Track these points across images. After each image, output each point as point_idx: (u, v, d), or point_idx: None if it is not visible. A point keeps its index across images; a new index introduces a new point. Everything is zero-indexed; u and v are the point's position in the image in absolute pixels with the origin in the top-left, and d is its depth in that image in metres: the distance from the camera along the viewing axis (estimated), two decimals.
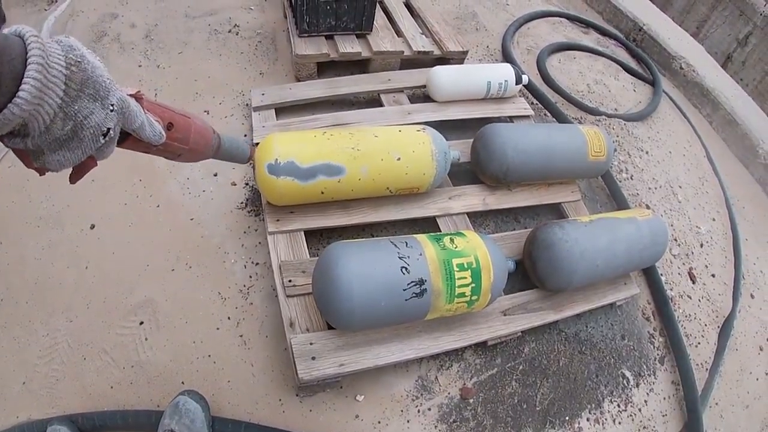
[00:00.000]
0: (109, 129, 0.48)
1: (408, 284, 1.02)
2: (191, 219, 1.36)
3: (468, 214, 1.39)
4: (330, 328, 1.12)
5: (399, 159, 1.25)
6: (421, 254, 1.06)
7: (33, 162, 0.47)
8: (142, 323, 1.21)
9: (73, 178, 0.56)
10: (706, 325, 1.58)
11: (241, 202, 1.40)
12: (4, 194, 1.39)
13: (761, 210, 2.00)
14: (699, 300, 1.61)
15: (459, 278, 1.06)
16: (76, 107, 0.43)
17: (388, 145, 1.26)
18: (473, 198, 1.42)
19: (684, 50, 2.27)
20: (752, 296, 1.73)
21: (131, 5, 1.86)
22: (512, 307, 1.26)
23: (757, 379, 1.61)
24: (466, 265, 1.07)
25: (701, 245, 1.72)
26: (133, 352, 1.18)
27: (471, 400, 1.22)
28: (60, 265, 1.28)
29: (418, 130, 1.31)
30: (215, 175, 1.43)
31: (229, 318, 1.23)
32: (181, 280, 1.27)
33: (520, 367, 1.28)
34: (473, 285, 1.08)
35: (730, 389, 1.55)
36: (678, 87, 2.31)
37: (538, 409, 1.25)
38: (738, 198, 1.96)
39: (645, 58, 2.30)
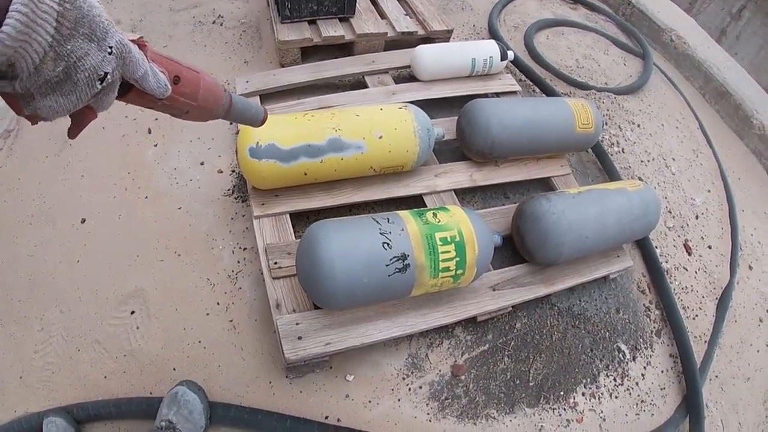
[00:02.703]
0: (106, 74, 0.43)
1: (390, 260, 0.99)
2: (179, 208, 1.35)
3: (455, 191, 1.36)
4: (316, 308, 1.10)
5: (381, 137, 1.22)
6: (403, 229, 1.03)
7: (23, 108, 0.43)
8: (133, 313, 1.20)
9: (72, 131, 0.51)
10: (703, 297, 1.54)
11: (228, 189, 1.38)
12: None
13: (757, 180, 1.94)
14: (696, 272, 1.56)
15: (443, 252, 1.03)
16: (69, 47, 0.39)
17: (370, 123, 1.22)
18: (460, 175, 1.39)
19: (674, 23, 2.20)
20: (750, 267, 1.67)
21: (116, 2, 1.84)
22: (501, 282, 1.22)
23: (758, 351, 1.56)
24: (449, 239, 1.04)
25: (696, 217, 1.67)
26: (125, 342, 1.17)
27: (462, 377, 1.19)
28: (53, 261, 1.27)
29: (400, 108, 1.28)
30: (202, 163, 1.41)
31: (218, 303, 1.21)
32: (171, 269, 1.26)
33: (512, 343, 1.25)
34: (458, 259, 1.05)
35: (730, 362, 1.50)
36: (669, 60, 2.24)
37: (531, 384, 1.22)
38: (733, 169, 1.90)
39: (635, 32, 2.23)
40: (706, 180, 1.78)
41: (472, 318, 1.22)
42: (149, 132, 1.48)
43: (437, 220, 1.06)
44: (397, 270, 1.00)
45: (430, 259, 1.02)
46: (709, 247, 1.63)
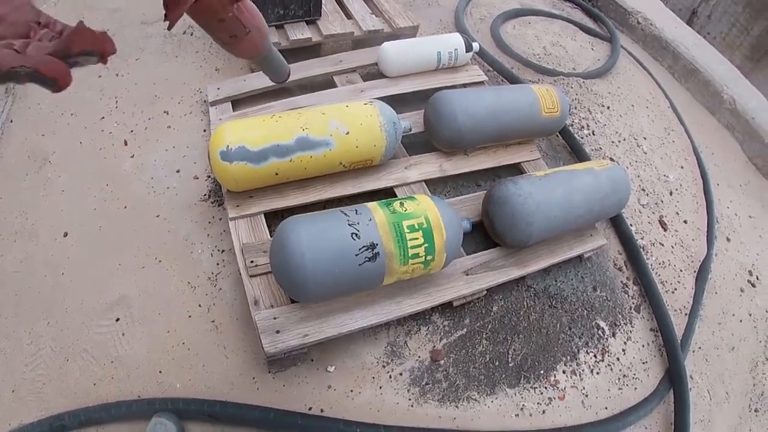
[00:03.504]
0: None
1: (360, 249, 1.04)
2: (158, 216, 1.39)
3: (426, 181, 1.41)
4: (294, 302, 1.15)
5: (348, 133, 1.27)
6: (370, 219, 1.08)
7: None
8: (118, 320, 1.24)
9: (170, 15, 0.53)
10: (681, 270, 1.59)
11: (204, 194, 1.43)
12: None
13: (731, 154, 2.00)
14: (672, 247, 1.62)
15: (411, 239, 1.08)
16: None
17: (336, 120, 1.28)
18: (430, 166, 1.44)
19: (640, 5, 2.26)
20: (728, 239, 1.73)
21: (88, 20, 1.90)
22: (475, 267, 1.27)
23: (741, 321, 1.61)
24: (416, 226, 1.09)
25: (670, 193, 1.72)
26: (112, 348, 1.21)
27: (442, 362, 1.23)
28: (38, 275, 1.31)
29: (365, 104, 1.33)
30: (178, 171, 1.46)
31: (199, 305, 1.26)
32: (152, 275, 1.31)
33: (490, 326, 1.30)
34: (426, 245, 1.10)
35: (713, 333, 1.55)
36: (637, 42, 2.30)
37: (510, 365, 1.27)
38: (706, 145, 1.96)
39: (601, 17, 2.30)
40: (679, 157, 1.83)
41: (448, 303, 1.27)
42: (125, 144, 1.53)
43: (404, 209, 1.11)
44: (367, 259, 1.05)
45: (399, 247, 1.07)
46: (685, 222, 1.68)
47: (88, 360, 1.19)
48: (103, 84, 1.69)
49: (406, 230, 1.08)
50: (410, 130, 1.42)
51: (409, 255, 1.08)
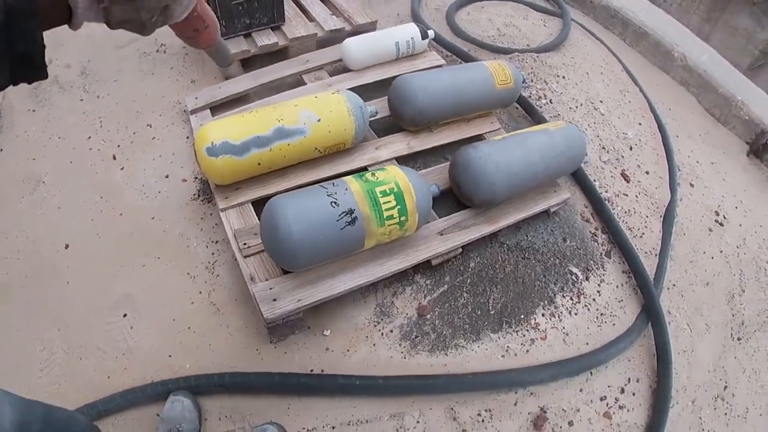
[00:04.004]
0: None
1: (339, 215, 1.23)
2: (152, 218, 1.57)
3: (396, 158, 1.60)
4: (286, 273, 1.33)
5: (319, 120, 1.47)
6: (347, 189, 1.27)
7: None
8: (125, 315, 1.41)
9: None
10: (647, 216, 1.79)
11: (194, 194, 1.61)
12: None
13: (687, 108, 2.23)
14: (636, 196, 1.82)
15: (384, 203, 1.27)
16: None
17: (308, 110, 1.49)
18: (398, 144, 1.64)
19: None
20: (692, 185, 1.94)
21: (64, 49, 2.09)
22: (448, 227, 1.46)
23: (712, 258, 1.80)
24: (388, 191, 1.28)
25: (630, 148, 1.93)
26: (122, 342, 1.37)
27: (428, 316, 1.42)
28: (44, 287, 1.47)
29: (333, 93, 1.53)
30: (167, 176, 1.65)
31: (200, 292, 1.43)
32: (153, 271, 1.48)
33: (469, 281, 1.48)
34: (399, 207, 1.28)
35: (686, 271, 1.75)
36: (588, 14, 2.55)
37: (492, 313, 1.45)
38: (663, 102, 2.19)
39: None
40: (636, 115, 2.05)
41: (428, 263, 1.46)
42: (114, 158, 1.72)
43: (375, 178, 1.31)
44: (347, 223, 1.23)
45: (374, 210, 1.26)
46: (647, 173, 1.89)
47: (100, 356, 1.36)
48: (85, 107, 1.88)
49: (379, 195, 1.27)
50: (376, 113, 1.62)
51: (385, 217, 1.27)
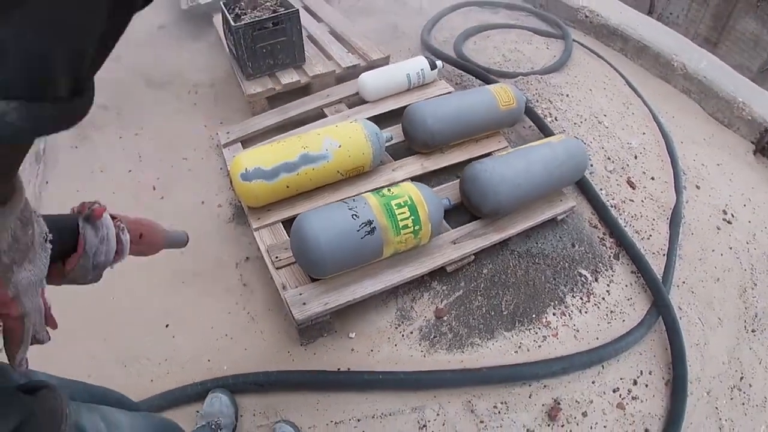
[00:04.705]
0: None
1: (360, 226, 1.49)
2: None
3: (411, 178, 1.86)
4: (314, 280, 1.59)
5: (340, 146, 1.76)
6: (366, 203, 1.54)
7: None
8: (167, 325, 1.67)
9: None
10: (654, 219, 1.98)
11: (229, 218, 1.91)
12: None
13: (691, 114, 2.44)
14: (642, 201, 2.02)
15: (399, 214, 1.53)
16: None
17: (329, 138, 1.79)
18: (413, 166, 1.91)
19: (585, 0, 2.84)
20: (698, 187, 2.12)
21: (98, 91, 2.50)
22: (460, 237, 1.70)
23: (722, 255, 1.96)
24: (402, 203, 1.54)
25: (635, 157, 2.15)
26: (163, 351, 1.61)
27: (445, 318, 1.64)
28: (89, 304, 1.67)
29: (351, 122, 1.84)
30: (203, 203, 1.95)
31: (236, 303, 1.69)
32: (192, 287, 1.75)
33: (482, 285, 1.70)
34: (413, 217, 1.54)
35: (695, 268, 1.91)
36: (588, 34, 2.83)
37: (505, 313, 1.66)
38: (666, 111, 2.40)
39: (552, 18, 2.85)
40: (640, 125, 2.28)
41: (444, 271, 1.69)
42: (154, 189, 2.04)
43: (391, 192, 1.57)
44: (366, 233, 1.50)
45: (391, 221, 1.52)
46: (652, 179, 2.09)
47: (143, 363, 1.59)
48: (124, 143, 2.23)
49: (395, 207, 1.53)
50: (391, 138, 1.91)
51: (400, 226, 1.52)
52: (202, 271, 1.78)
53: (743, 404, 1.61)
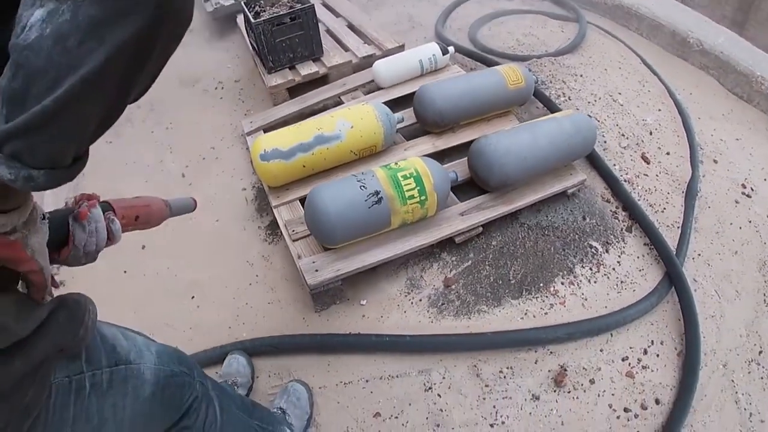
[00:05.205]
0: None
1: (367, 196, 1.58)
2: (217, 220, 2.02)
3: (422, 157, 1.96)
4: (326, 250, 1.68)
5: (352, 126, 1.86)
6: (373, 176, 1.63)
7: None
8: (193, 297, 1.81)
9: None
10: (668, 193, 1.97)
11: (252, 199, 2.04)
12: None
13: (708, 90, 2.41)
14: (657, 175, 2.01)
15: (405, 185, 1.61)
16: None
17: (342, 119, 1.90)
18: (425, 145, 1.99)
19: None
20: (715, 161, 2.10)
21: None
22: (468, 209, 1.76)
23: (740, 228, 1.93)
24: (408, 175, 1.62)
25: (650, 133, 2.14)
26: (189, 319, 1.75)
27: (453, 287, 1.70)
28: (123, 276, 1.89)
29: (363, 104, 1.94)
30: (228, 186, 2.11)
31: (257, 276, 1.82)
32: (217, 261, 1.89)
33: (491, 256, 1.75)
34: (418, 188, 1.61)
35: (711, 241, 1.88)
36: (604, 15, 2.84)
37: (512, 282, 1.70)
38: (683, 87, 2.38)
39: (566, 2, 2.89)
40: (656, 102, 2.26)
41: (453, 243, 1.75)
42: (183, 176, 2.21)
43: (397, 165, 1.66)
44: (374, 203, 1.58)
45: (397, 191, 1.60)
46: (668, 154, 2.08)
47: (170, 332, 1.72)
48: (156, 137, 2.43)
49: (401, 178, 1.61)
50: (402, 120, 1.99)
51: (406, 196, 1.60)
52: (226, 246, 1.92)
53: (761, 378, 1.58)
